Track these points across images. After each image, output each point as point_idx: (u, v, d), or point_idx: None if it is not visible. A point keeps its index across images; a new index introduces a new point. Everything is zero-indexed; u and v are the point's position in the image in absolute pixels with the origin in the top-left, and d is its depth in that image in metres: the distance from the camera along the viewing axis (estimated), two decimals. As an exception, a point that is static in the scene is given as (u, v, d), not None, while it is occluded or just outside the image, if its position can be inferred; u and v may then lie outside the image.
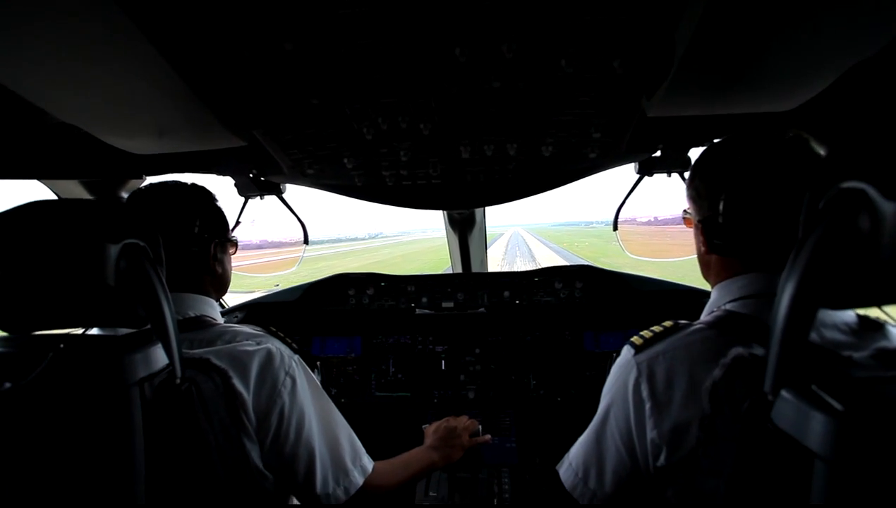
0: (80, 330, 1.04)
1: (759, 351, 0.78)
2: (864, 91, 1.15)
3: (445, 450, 1.50)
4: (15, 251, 0.80)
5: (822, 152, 1.28)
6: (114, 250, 0.82)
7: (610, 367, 2.00)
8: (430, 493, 1.73)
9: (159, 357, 0.81)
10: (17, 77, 0.93)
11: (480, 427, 1.64)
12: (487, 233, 2.69)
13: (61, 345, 0.77)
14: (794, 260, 0.64)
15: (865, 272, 0.60)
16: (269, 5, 0.86)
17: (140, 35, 0.82)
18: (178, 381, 0.84)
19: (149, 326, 0.85)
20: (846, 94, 1.11)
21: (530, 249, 48.65)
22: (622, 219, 1.80)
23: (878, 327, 0.86)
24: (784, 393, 0.61)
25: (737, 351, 0.80)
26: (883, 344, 0.82)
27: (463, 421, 1.63)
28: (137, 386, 0.76)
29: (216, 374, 0.95)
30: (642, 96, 1.15)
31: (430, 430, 1.60)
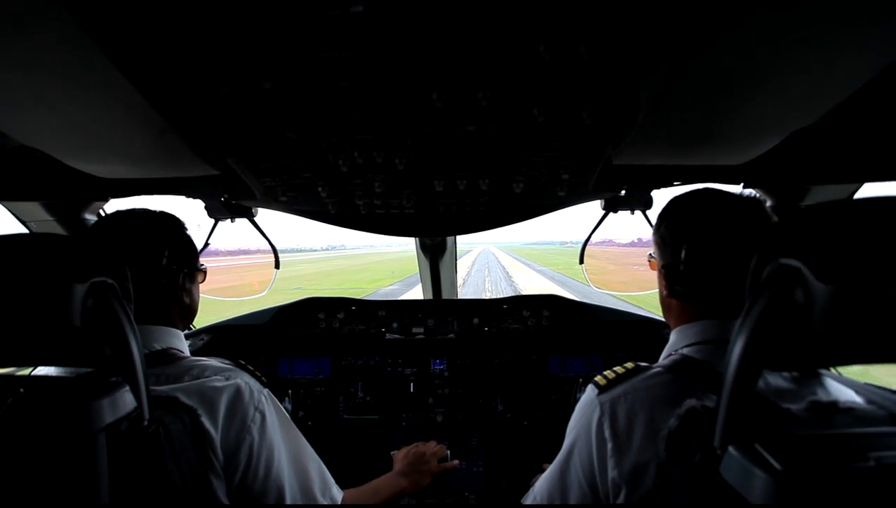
0: (37, 370, 1.01)
1: (710, 402, 0.83)
2: (804, 154, 1.25)
3: (414, 476, 1.51)
4: None
5: (766, 202, 1.38)
6: (80, 289, 0.80)
7: (574, 392, 2.07)
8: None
9: (127, 400, 0.80)
10: None
11: (448, 452, 1.66)
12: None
13: (21, 389, 0.75)
14: (742, 323, 0.69)
15: (802, 339, 0.65)
16: (250, 46, 0.88)
17: (110, 64, 0.81)
18: (145, 423, 0.83)
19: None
20: (791, 152, 1.21)
21: (504, 268, 45.53)
22: (598, 240, 1.87)
23: (815, 375, 0.93)
24: (731, 449, 0.65)
25: (690, 403, 0.85)
26: (818, 396, 0.89)
27: (431, 447, 1.64)
28: (103, 431, 0.75)
29: (184, 413, 0.93)
30: (608, 144, 1.22)
31: (399, 456, 1.61)
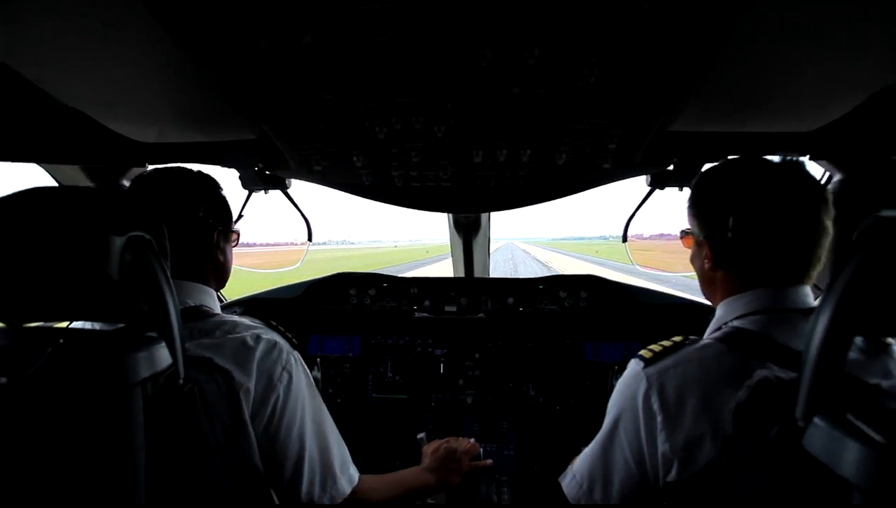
0: (75, 324, 1.01)
1: (783, 374, 0.78)
2: (884, 117, 1.14)
3: (442, 473, 1.47)
4: (14, 239, 0.77)
5: (834, 176, 1.27)
6: (118, 242, 0.79)
7: (610, 380, 2.00)
8: (428, 500, 1.71)
9: (163, 356, 0.78)
10: (20, 57, 0.90)
11: (482, 451, 1.62)
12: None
13: (60, 340, 0.74)
14: (830, 288, 0.63)
15: None
16: None
17: (150, 19, 0.80)
18: (181, 382, 0.81)
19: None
20: (867, 119, 1.10)
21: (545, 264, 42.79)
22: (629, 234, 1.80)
23: (885, 347, 0.87)
24: (817, 419, 0.61)
25: (762, 373, 0.80)
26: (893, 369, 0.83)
27: (464, 444, 1.60)
28: (140, 386, 0.74)
29: (219, 375, 0.93)
30: (661, 109, 1.14)
31: (430, 450, 1.56)
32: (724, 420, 0.81)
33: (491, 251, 2.68)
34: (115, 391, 0.71)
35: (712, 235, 1.02)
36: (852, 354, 0.84)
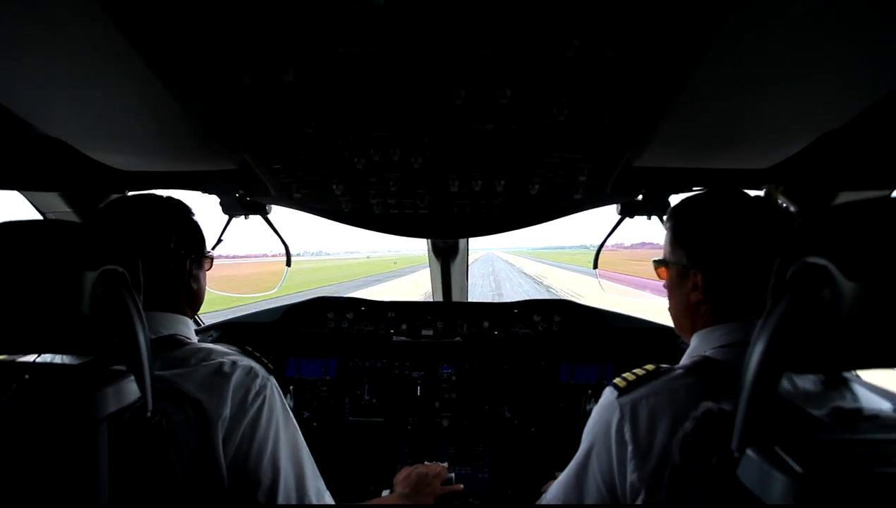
0: (40, 357, 1.00)
1: (727, 405, 0.81)
2: (831, 157, 1.21)
3: (417, 498, 1.47)
4: None
5: (792, 210, 1.34)
6: (91, 277, 0.79)
7: (584, 403, 2.02)
8: None
9: (130, 390, 0.78)
10: (5, 90, 0.91)
11: (453, 475, 1.63)
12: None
13: (26, 376, 0.74)
14: (763, 324, 0.67)
15: (827, 340, 0.64)
16: (273, 37, 0.87)
17: (133, 52, 0.81)
18: (148, 414, 0.82)
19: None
20: (819, 156, 1.17)
21: (533, 277, 39.36)
22: (608, 245, 1.85)
23: (842, 381, 0.91)
24: (749, 451, 0.64)
25: (706, 405, 0.83)
26: (840, 402, 0.87)
27: (434, 468, 1.61)
28: (105, 421, 0.74)
29: (188, 405, 0.92)
30: (628, 146, 1.19)
31: (401, 477, 1.57)
32: (673, 450, 0.84)
33: (469, 262, 2.70)
34: (81, 427, 0.71)
35: (706, 265, 1.03)
36: (811, 386, 0.88)
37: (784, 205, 1.55)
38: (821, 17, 0.70)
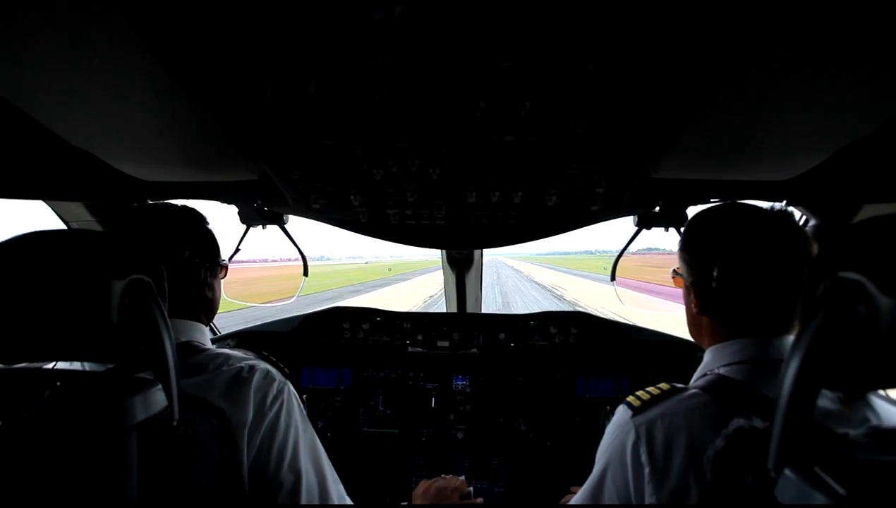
0: (69, 364, 1.02)
1: (758, 423, 0.80)
2: (855, 169, 1.20)
3: None
4: (15, 281, 0.79)
5: (809, 221, 1.32)
6: (119, 286, 0.81)
7: (602, 419, 2.00)
8: None
9: (158, 399, 0.79)
10: (32, 100, 0.93)
11: (472, 489, 1.60)
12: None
13: (58, 383, 0.75)
14: (797, 342, 0.66)
15: (864, 357, 0.63)
16: (296, 50, 0.89)
17: (157, 64, 0.84)
18: (175, 423, 0.82)
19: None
20: (839, 169, 1.16)
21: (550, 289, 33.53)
22: (613, 249, 1.83)
23: (862, 397, 0.89)
24: (787, 472, 0.62)
25: (738, 422, 0.81)
26: (874, 422, 0.85)
27: (453, 482, 1.59)
28: (135, 429, 0.75)
29: (212, 415, 0.93)
30: (646, 157, 1.19)
31: (420, 491, 1.55)
32: (704, 469, 0.82)
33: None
34: (112, 434, 0.72)
35: (698, 282, 1.04)
36: (830, 404, 0.86)
37: (804, 218, 1.53)
38: (840, 26, 0.70)
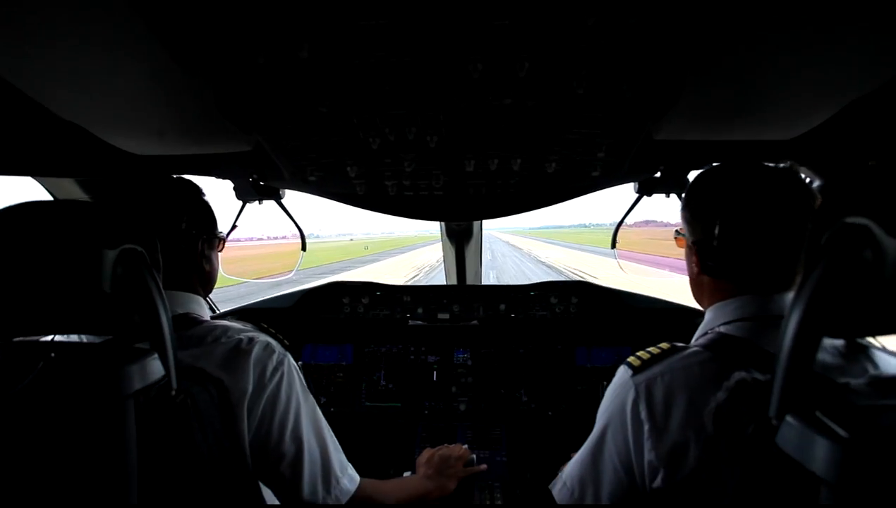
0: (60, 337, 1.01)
1: (759, 375, 0.80)
2: (862, 124, 1.17)
3: (440, 480, 1.47)
4: (7, 253, 0.77)
5: (814, 182, 1.30)
6: (111, 256, 0.79)
7: (603, 388, 2.01)
8: None
9: (155, 368, 0.79)
10: (20, 73, 0.90)
11: (475, 456, 1.62)
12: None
13: (52, 354, 0.75)
14: (800, 290, 0.65)
15: (867, 303, 0.62)
16: (288, 13, 0.86)
17: (149, 34, 0.81)
18: (173, 393, 0.82)
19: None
20: (846, 127, 1.13)
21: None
22: (610, 222, 1.81)
23: (862, 349, 0.89)
24: (789, 418, 0.63)
25: (739, 374, 0.82)
26: (875, 371, 0.86)
27: (456, 450, 1.60)
28: (133, 398, 0.74)
29: (211, 385, 0.93)
30: (648, 118, 1.16)
31: (423, 460, 1.56)
32: (705, 422, 0.83)
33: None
34: (109, 403, 0.72)
35: (699, 241, 1.04)
36: (829, 358, 0.87)
37: (807, 178, 1.50)
38: None
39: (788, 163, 1.18)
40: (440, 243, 2.64)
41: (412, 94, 1.08)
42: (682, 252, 1.17)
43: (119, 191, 1.18)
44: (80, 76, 0.93)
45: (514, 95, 1.08)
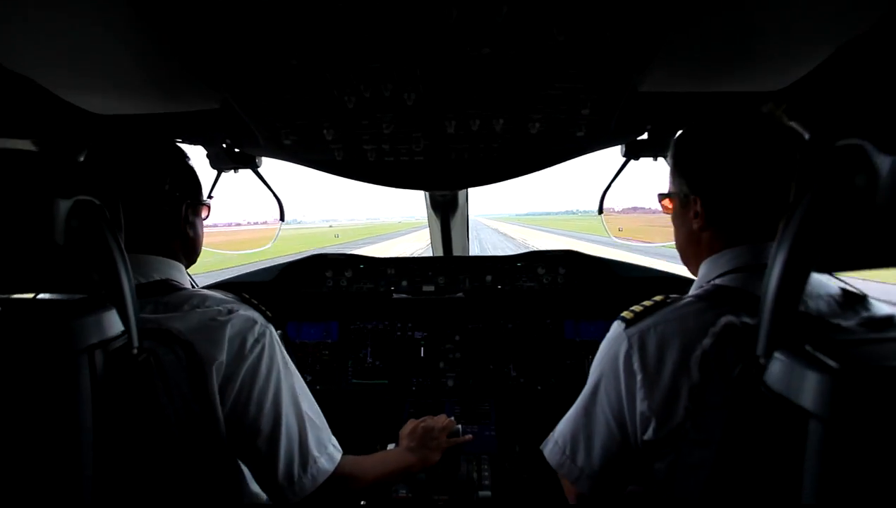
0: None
1: (748, 319, 0.78)
2: (853, 68, 1.14)
3: (423, 452, 1.42)
4: None
5: (797, 128, 1.28)
6: (64, 206, 0.74)
7: (589, 360, 2.00)
8: (400, 492, 1.68)
9: (112, 322, 0.74)
10: None
11: (460, 427, 1.58)
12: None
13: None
14: (787, 224, 0.63)
15: (857, 235, 0.60)
16: None
17: None
18: (134, 352, 0.77)
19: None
20: (836, 73, 1.10)
21: None
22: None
23: (860, 299, 0.88)
24: (777, 354, 0.60)
25: (727, 318, 0.80)
26: (868, 314, 0.84)
27: (441, 421, 1.56)
28: (87, 353, 0.69)
29: (179, 347, 0.88)
30: (633, 69, 1.12)
31: (406, 432, 1.51)
32: (691, 369, 0.81)
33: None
34: (60, 358, 0.67)
35: (705, 191, 1.00)
36: (825, 306, 0.85)
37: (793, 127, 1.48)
38: None
39: (769, 105, 1.15)
40: (426, 229, 2.59)
41: (385, 44, 1.03)
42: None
43: (95, 147, 1.10)
44: (32, 25, 0.86)
45: (492, 44, 1.03)
